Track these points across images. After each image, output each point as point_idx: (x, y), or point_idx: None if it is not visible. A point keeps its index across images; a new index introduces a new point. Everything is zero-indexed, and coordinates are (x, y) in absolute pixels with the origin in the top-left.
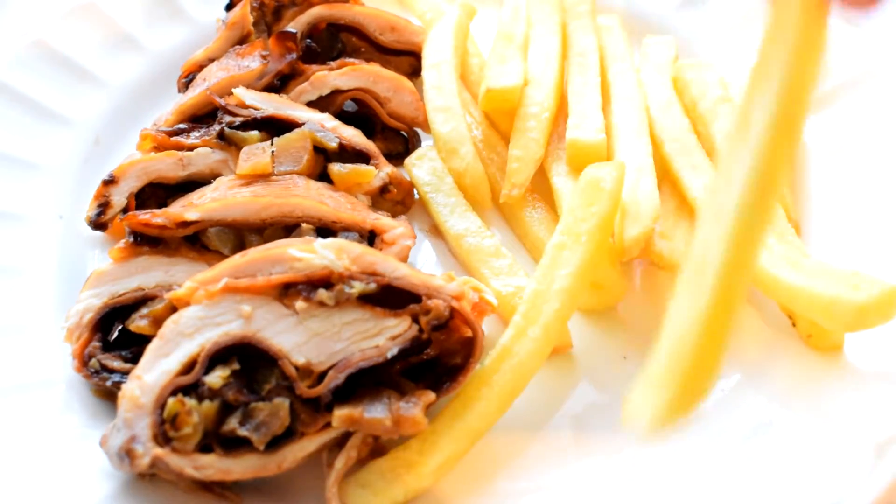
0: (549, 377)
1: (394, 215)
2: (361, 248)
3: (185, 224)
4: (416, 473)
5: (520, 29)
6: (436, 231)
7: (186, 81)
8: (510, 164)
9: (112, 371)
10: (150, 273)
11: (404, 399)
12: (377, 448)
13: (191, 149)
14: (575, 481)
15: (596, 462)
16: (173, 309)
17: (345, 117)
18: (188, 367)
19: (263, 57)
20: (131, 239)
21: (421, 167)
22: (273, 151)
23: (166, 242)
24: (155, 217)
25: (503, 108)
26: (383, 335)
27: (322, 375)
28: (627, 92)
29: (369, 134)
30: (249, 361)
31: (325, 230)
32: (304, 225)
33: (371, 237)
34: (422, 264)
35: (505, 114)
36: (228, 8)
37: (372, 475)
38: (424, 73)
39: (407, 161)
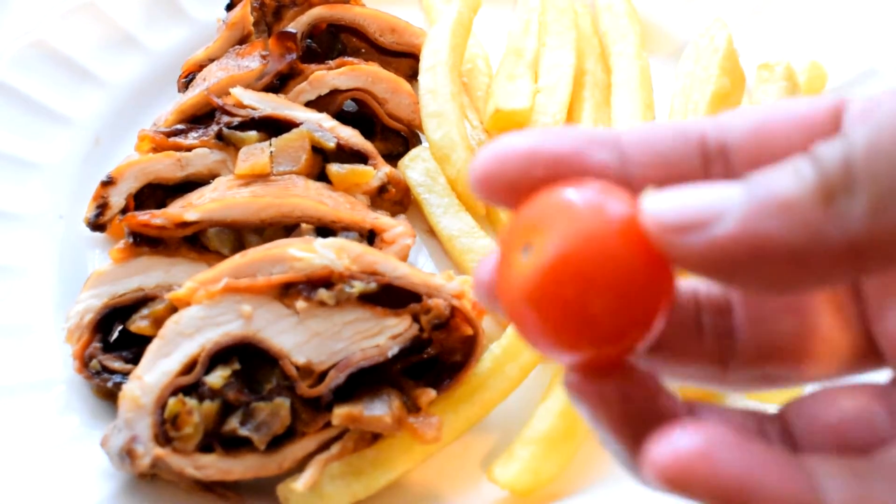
0: (546, 376)
1: (392, 215)
2: (362, 248)
3: (185, 224)
4: (364, 484)
5: (530, 45)
6: (433, 232)
7: (186, 81)
8: None
9: (113, 372)
10: (150, 273)
11: (413, 402)
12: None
13: (189, 149)
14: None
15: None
16: (174, 309)
17: (345, 117)
18: (189, 368)
19: (263, 57)
20: (131, 239)
21: (414, 168)
22: (272, 151)
23: (166, 243)
24: (154, 218)
25: (509, 130)
26: (384, 334)
27: (323, 375)
28: (628, 81)
29: (369, 134)
30: (250, 361)
31: (324, 230)
32: (303, 225)
33: (371, 236)
34: (421, 265)
35: None
36: (229, 8)
37: (322, 477)
38: (420, 76)
39: (400, 162)
